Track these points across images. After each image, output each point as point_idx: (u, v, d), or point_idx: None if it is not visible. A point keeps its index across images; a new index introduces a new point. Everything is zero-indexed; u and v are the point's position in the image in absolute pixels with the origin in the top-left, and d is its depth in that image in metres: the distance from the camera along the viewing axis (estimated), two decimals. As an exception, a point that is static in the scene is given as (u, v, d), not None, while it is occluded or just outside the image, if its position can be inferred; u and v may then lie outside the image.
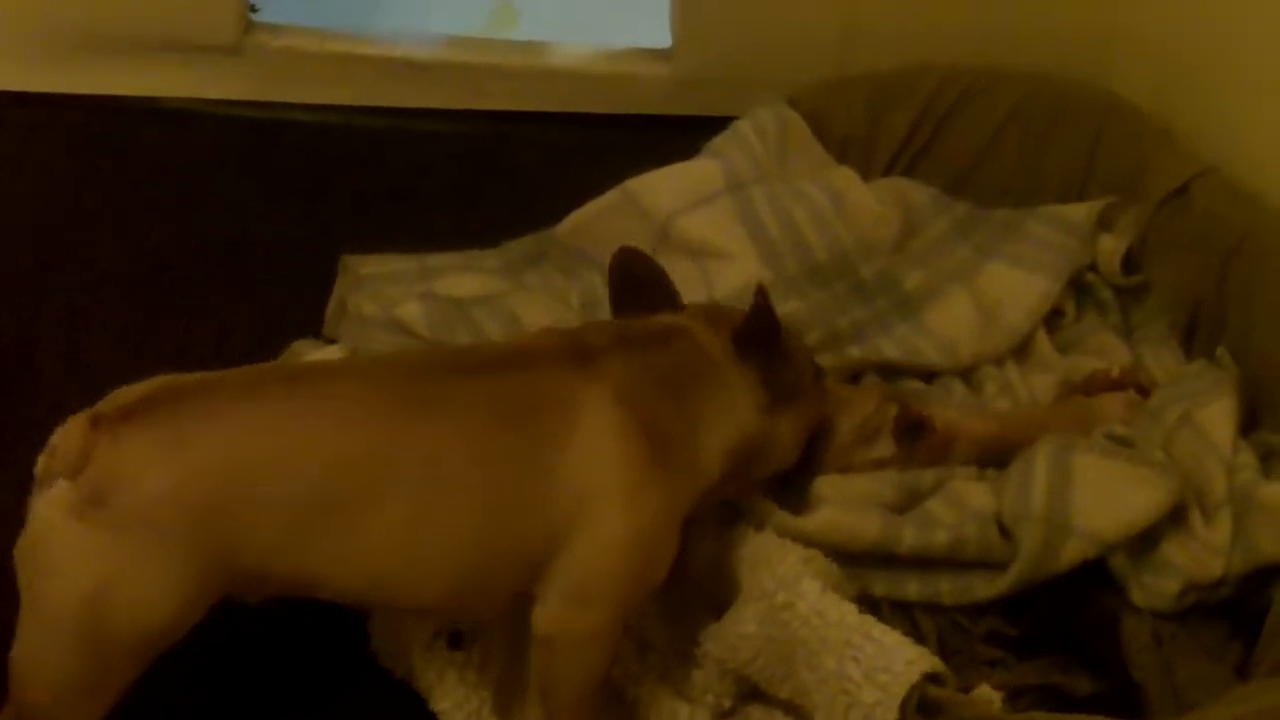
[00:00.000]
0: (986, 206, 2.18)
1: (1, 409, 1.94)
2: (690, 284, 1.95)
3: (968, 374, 1.98)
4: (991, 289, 2.05)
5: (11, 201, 2.31)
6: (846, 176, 2.10)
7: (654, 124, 2.52)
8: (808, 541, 1.62)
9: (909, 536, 1.65)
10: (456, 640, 1.66)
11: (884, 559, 1.66)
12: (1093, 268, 2.09)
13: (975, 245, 2.12)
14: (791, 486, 1.69)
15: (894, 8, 2.42)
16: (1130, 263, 2.09)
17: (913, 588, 1.67)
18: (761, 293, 1.54)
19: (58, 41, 2.46)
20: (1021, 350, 2.01)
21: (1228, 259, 1.95)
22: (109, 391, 1.37)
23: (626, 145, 2.32)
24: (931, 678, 1.44)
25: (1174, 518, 1.68)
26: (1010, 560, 1.65)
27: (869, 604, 1.58)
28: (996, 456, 1.79)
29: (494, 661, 1.65)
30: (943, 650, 1.58)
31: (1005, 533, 1.68)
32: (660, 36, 2.53)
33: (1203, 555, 1.66)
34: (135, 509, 1.30)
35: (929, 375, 1.97)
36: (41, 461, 1.32)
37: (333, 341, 1.99)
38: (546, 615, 1.47)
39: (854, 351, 1.94)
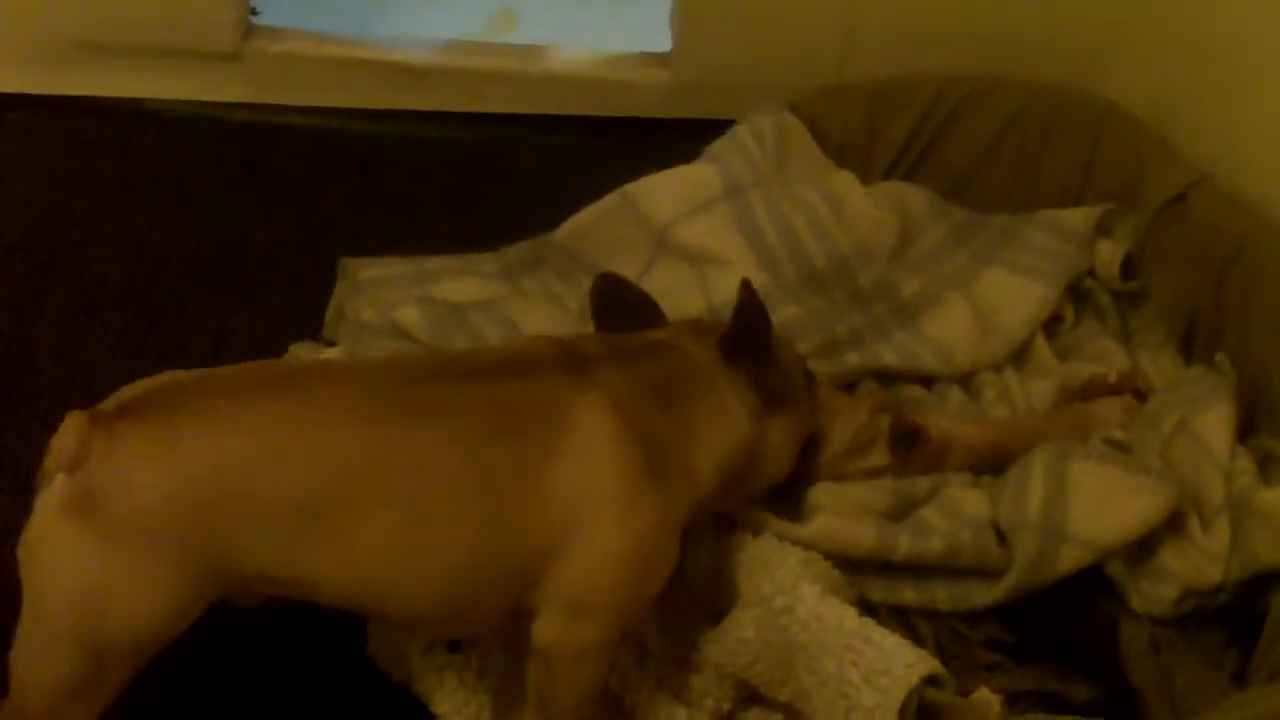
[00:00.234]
0: (985, 213, 2.18)
1: (1, 411, 1.94)
2: (688, 290, 1.96)
3: (966, 380, 1.98)
4: (989, 295, 2.05)
5: (10, 204, 2.31)
6: (846, 181, 2.10)
7: (653, 129, 2.52)
8: (804, 548, 1.62)
9: (904, 544, 1.65)
10: (455, 643, 1.66)
11: (880, 566, 1.67)
12: (1091, 273, 2.09)
13: (973, 251, 2.12)
14: (787, 495, 1.69)
15: (893, 15, 2.43)
16: (1128, 269, 2.10)
17: (909, 594, 1.67)
18: (748, 290, 1.54)
19: (57, 45, 2.47)
20: (1020, 356, 2.01)
21: (1225, 266, 1.95)
22: (107, 395, 1.37)
23: (625, 150, 2.32)
24: (931, 681, 1.44)
25: (1172, 524, 1.68)
26: (1007, 567, 1.65)
27: (867, 610, 1.58)
28: (992, 464, 1.80)
29: (494, 664, 1.64)
30: (941, 655, 1.58)
31: (1002, 540, 1.68)
32: (660, 41, 2.54)
33: (1200, 562, 1.66)
34: (125, 507, 1.31)
35: (927, 381, 1.98)
36: (45, 461, 1.32)
37: (332, 345, 2.00)
38: (544, 628, 1.47)
39: (852, 358, 1.94)
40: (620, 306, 1.64)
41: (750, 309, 1.55)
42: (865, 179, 2.15)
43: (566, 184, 2.15)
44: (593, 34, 2.66)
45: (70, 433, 1.30)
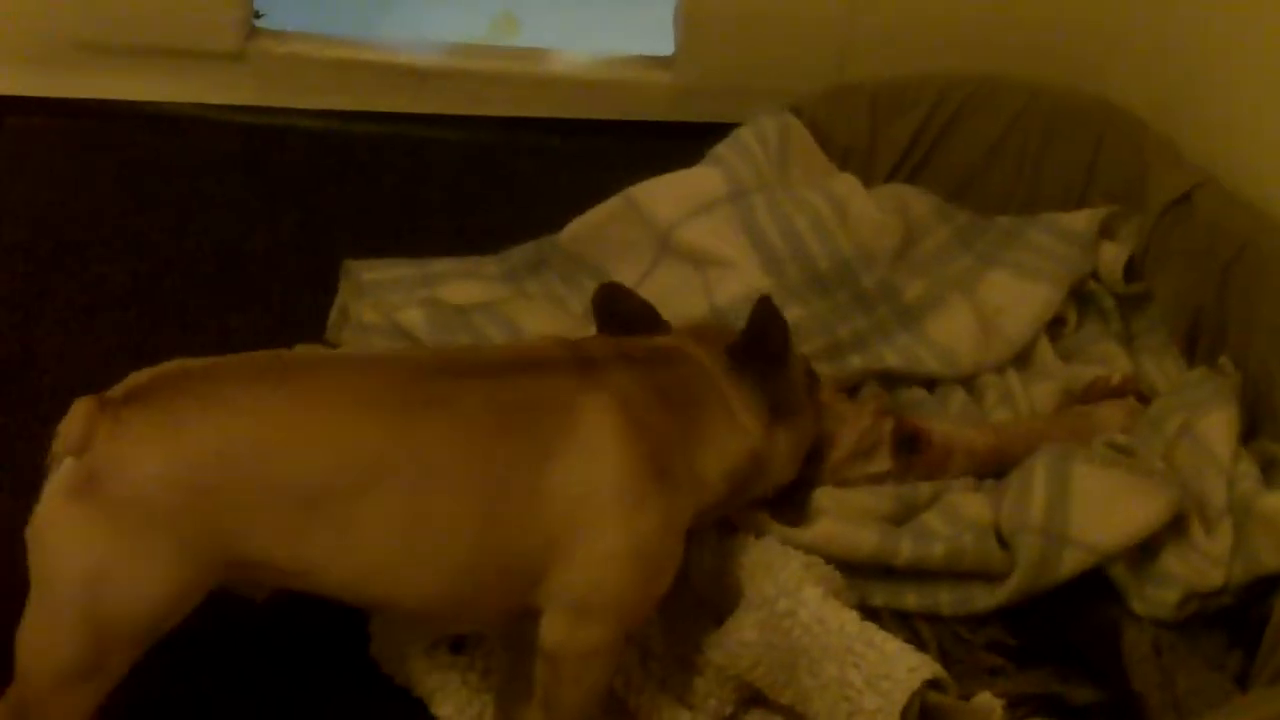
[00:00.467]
0: (988, 215, 2.18)
1: (1, 413, 1.94)
2: (691, 292, 1.96)
3: (969, 382, 1.98)
4: (993, 298, 2.05)
5: (12, 205, 2.31)
6: (849, 184, 2.10)
7: (655, 131, 2.52)
8: (806, 552, 1.62)
9: (906, 549, 1.65)
10: (458, 644, 1.66)
11: (882, 570, 1.66)
12: (1094, 276, 2.09)
13: (977, 254, 2.12)
14: (789, 499, 1.68)
15: (894, 17, 2.43)
16: (1131, 271, 2.10)
17: (912, 598, 1.67)
18: (767, 303, 1.55)
19: (60, 46, 2.47)
20: (1023, 358, 2.01)
21: (1228, 268, 1.95)
22: (108, 396, 1.38)
23: (628, 153, 2.32)
24: (933, 684, 1.44)
25: (1174, 528, 1.68)
26: (1009, 571, 1.65)
27: (869, 614, 1.58)
28: (994, 468, 1.80)
29: (496, 665, 1.64)
30: (943, 659, 1.58)
31: (1004, 543, 1.68)
32: (662, 44, 2.54)
33: (1203, 565, 1.66)
34: (131, 490, 1.31)
35: (930, 384, 1.97)
36: (53, 446, 1.33)
37: (334, 347, 2.00)
38: (550, 628, 1.47)
39: (855, 360, 1.94)
40: (622, 315, 1.64)
41: (769, 321, 1.55)
42: (868, 181, 2.15)
43: (569, 186, 2.16)
44: (595, 37, 2.66)
45: (77, 418, 1.31)
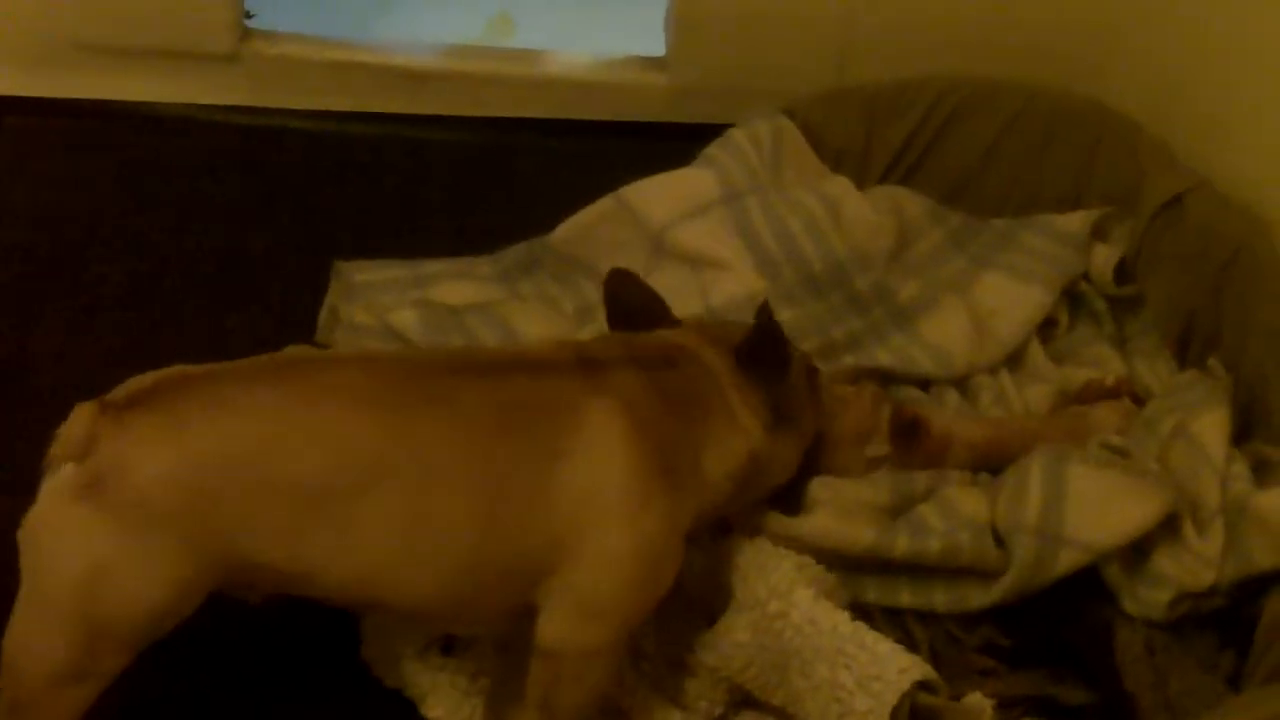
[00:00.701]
0: (982, 217, 2.19)
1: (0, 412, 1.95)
2: (686, 293, 1.96)
3: (962, 383, 1.98)
4: (986, 299, 2.05)
5: (9, 206, 2.31)
6: (842, 186, 2.10)
7: (649, 132, 2.52)
8: (801, 546, 1.63)
9: (902, 544, 1.65)
10: (449, 647, 1.66)
11: (878, 565, 1.67)
12: (1086, 277, 2.10)
13: (971, 256, 2.12)
14: (787, 491, 1.69)
15: (890, 20, 2.43)
16: (1124, 273, 2.10)
17: (906, 596, 1.68)
18: (766, 312, 1.55)
19: (53, 47, 2.46)
20: (1016, 360, 2.01)
21: (1221, 271, 1.95)
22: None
23: (622, 153, 2.32)
24: (923, 686, 1.44)
25: (1167, 528, 1.69)
26: (1004, 569, 1.66)
27: (862, 612, 1.58)
28: (991, 463, 1.80)
29: (488, 668, 1.65)
30: (935, 659, 1.59)
31: (999, 542, 1.68)
32: (656, 45, 2.54)
33: (1195, 565, 1.66)
34: (132, 493, 1.32)
35: (924, 384, 1.98)
36: (51, 449, 1.33)
37: (326, 348, 1.99)
38: (551, 629, 1.47)
39: (849, 361, 1.95)
40: (630, 303, 1.65)
41: (768, 333, 1.56)
42: (862, 183, 2.15)
43: (564, 187, 2.16)
44: (590, 38, 2.66)
45: (78, 422, 1.32)
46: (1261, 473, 1.75)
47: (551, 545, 1.44)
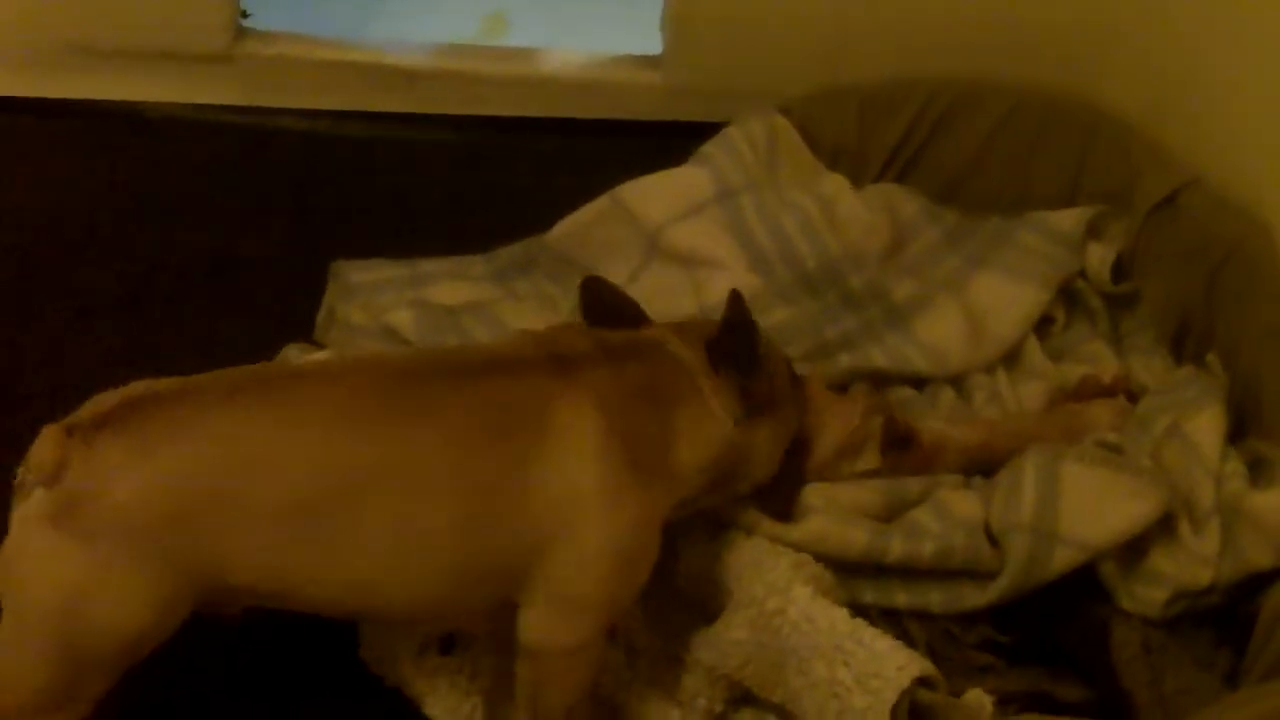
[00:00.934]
0: (976, 216, 2.18)
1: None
2: (680, 293, 1.96)
3: (957, 382, 1.98)
4: (981, 298, 2.05)
5: (1, 208, 2.30)
6: (837, 184, 2.10)
7: (644, 131, 2.52)
8: (796, 550, 1.63)
9: (896, 547, 1.65)
10: (448, 646, 1.66)
11: (872, 568, 1.67)
12: (1082, 275, 2.10)
13: (965, 255, 2.12)
14: (776, 496, 1.69)
15: (884, 19, 2.43)
16: (1119, 271, 2.10)
17: (901, 597, 1.67)
18: (737, 300, 1.54)
19: (47, 49, 2.46)
20: (1011, 358, 2.01)
21: (1216, 269, 1.95)
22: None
23: (617, 152, 2.32)
24: (922, 682, 1.44)
25: (1163, 526, 1.69)
26: (999, 569, 1.66)
27: (859, 612, 1.58)
28: (984, 465, 1.80)
29: (486, 666, 1.64)
30: (933, 657, 1.58)
31: (994, 542, 1.68)
32: (651, 44, 2.54)
33: (1191, 564, 1.66)
34: (106, 516, 1.30)
35: (918, 383, 1.98)
36: (19, 472, 1.32)
37: (323, 347, 1.99)
38: (531, 626, 1.47)
39: (843, 360, 1.95)
40: (607, 310, 1.64)
41: (738, 322, 1.55)
42: (857, 182, 2.15)
43: (558, 186, 2.15)
44: (584, 37, 2.66)
45: (47, 446, 1.30)
46: (1257, 470, 1.75)
47: (532, 544, 1.44)
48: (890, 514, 1.72)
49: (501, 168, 2.48)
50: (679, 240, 2.02)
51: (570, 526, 1.43)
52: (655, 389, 1.53)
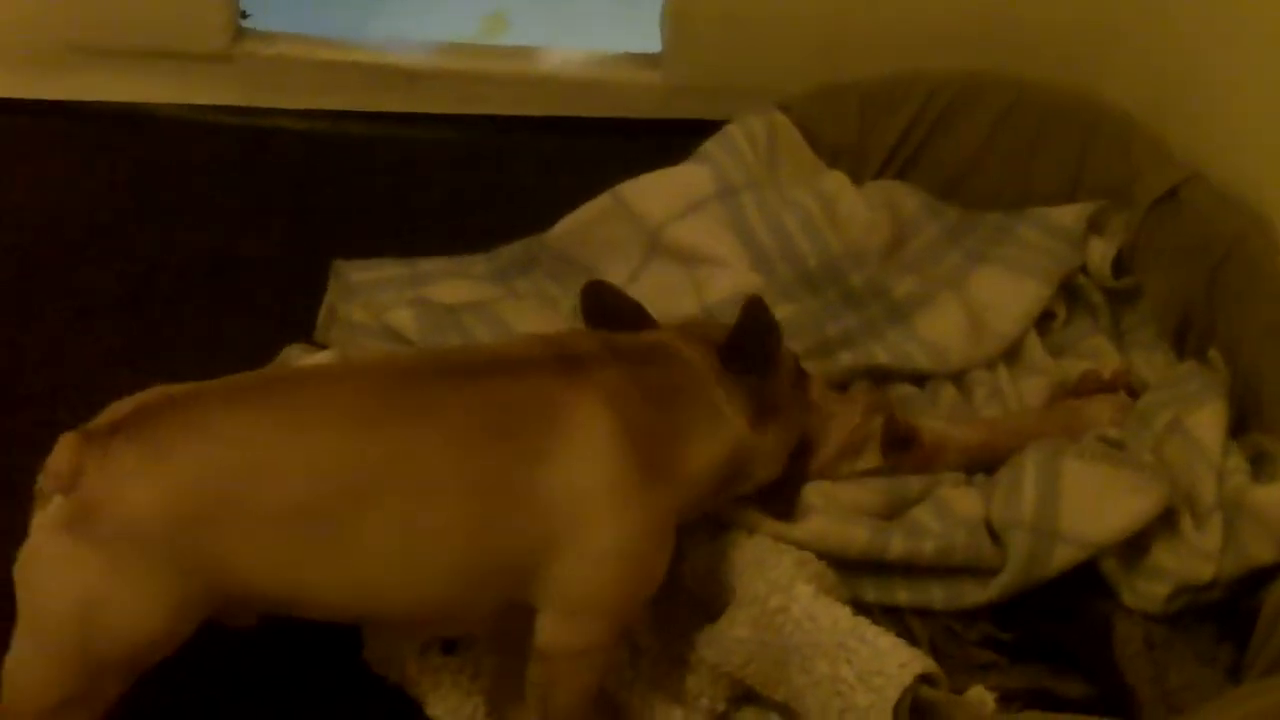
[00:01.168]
0: (977, 211, 2.18)
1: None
2: (681, 291, 1.96)
3: (958, 378, 1.98)
4: (982, 294, 2.05)
5: (1, 209, 2.31)
6: (838, 182, 2.10)
7: (645, 130, 2.53)
8: (798, 549, 1.62)
9: (897, 545, 1.65)
10: (450, 645, 1.66)
11: (874, 566, 1.67)
12: (1083, 271, 2.10)
13: (966, 250, 2.12)
14: (779, 495, 1.69)
15: (884, 18, 2.43)
16: (1120, 266, 2.10)
17: (903, 595, 1.67)
18: (758, 304, 1.54)
19: (47, 49, 2.47)
20: (1012, 353, 2.01)
21: (1217, 264, 1.95)
22: (99, 402, 1.38)
23: (617, 151, 2.32)
24: (925, 679, 1.44)
25: (1165, 522, 1.69)
26: (1000, 566, 1.66)
27: (861, 610, 1.58)
28: (984, 463, 1.80)
29: (488, 666, 1.65)
30: (935, 654, 1.58)
31: (995, 539, 1.68)
32: (651, 43, 2.54)
33: (1193, 559, 1.66)
34: (120, 522, 1.31)
35: (919, 380, 1.98)
36: (39, 480, 1.33)
37: (324, 347, 1.99)
38: (544, 628, 1.47)
39: (845, 357, 1.94)
40: (609, 313, 1.64)
41: (759, 324, 1.55)
42: (857, 179, 2.15)
43: (558, 185, 2.15)
44: (584, 36, 2.66)
45: (64, 453, 1.31)
46: (1259, 465, 1.75)
47: (541, 545, 1.43)
48: (891, 512, 1.72)
49: (501, 167, 2.48)
50: (680, 238, 2.02)
51: (580, 527, 1.43)
52: (665, 390, 1.52)
